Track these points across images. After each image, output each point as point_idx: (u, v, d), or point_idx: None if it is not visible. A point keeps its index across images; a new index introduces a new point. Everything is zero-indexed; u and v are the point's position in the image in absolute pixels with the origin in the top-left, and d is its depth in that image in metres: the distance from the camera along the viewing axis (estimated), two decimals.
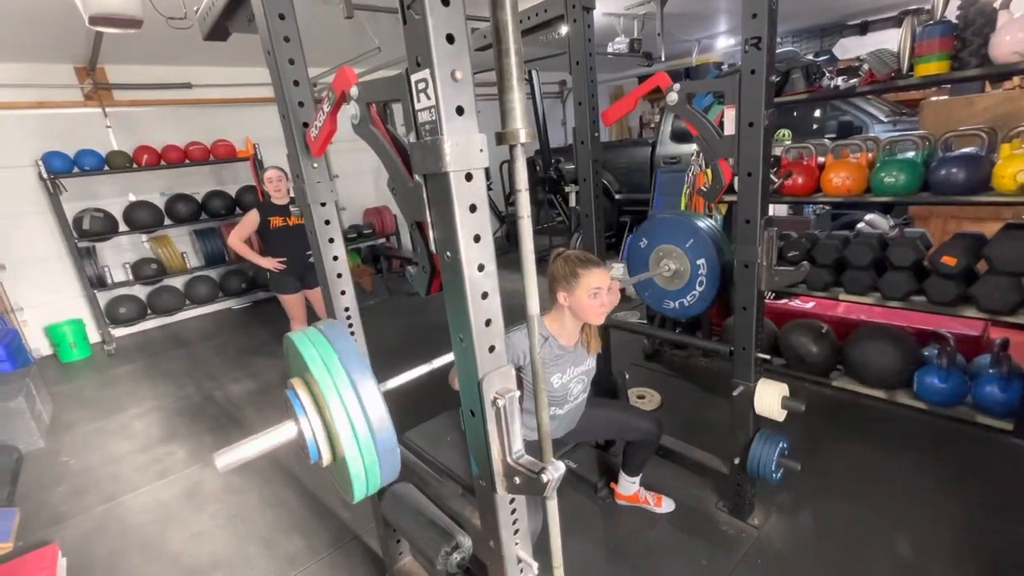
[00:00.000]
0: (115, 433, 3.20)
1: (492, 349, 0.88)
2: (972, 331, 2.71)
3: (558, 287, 1.61)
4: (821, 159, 2.60)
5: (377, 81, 0.91)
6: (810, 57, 3.72)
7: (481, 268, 0.83)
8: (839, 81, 2.44)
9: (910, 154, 2.33)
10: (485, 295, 0.85)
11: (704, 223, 2.01)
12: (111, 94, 4.84)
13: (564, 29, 2.04)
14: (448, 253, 0.83)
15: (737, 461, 1.89)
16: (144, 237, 5.21)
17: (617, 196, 6.31)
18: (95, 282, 4.76)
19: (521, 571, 1.03)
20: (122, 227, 4.84)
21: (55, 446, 3.10)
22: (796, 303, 3.22)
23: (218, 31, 1.51)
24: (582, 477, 2.27)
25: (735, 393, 1.82)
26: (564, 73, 8.52)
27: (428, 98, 0.75)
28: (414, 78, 0.76)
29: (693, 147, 3.99)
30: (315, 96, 1.27)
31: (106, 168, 4.61)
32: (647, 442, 1.95)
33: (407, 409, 2.41)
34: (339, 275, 1.37)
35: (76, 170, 4.49)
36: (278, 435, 0.99)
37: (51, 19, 3.34)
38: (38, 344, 4.74)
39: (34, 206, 4.59)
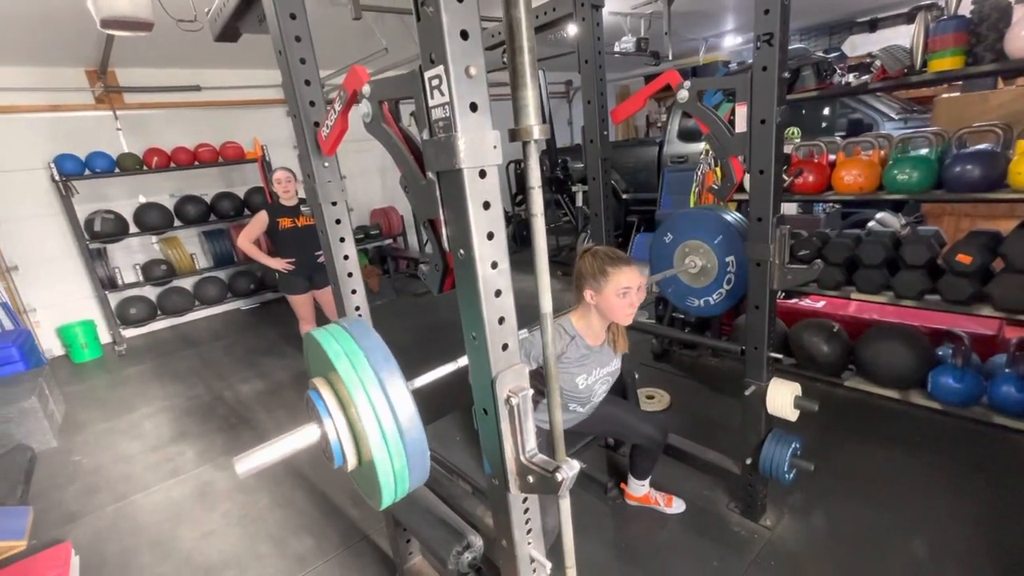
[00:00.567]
0: (126, 433, 3.22)
1: (505, 347, 0.87)
2: (987, 330, 2.68)
3: (585, 284, 1.56)
4: (832, 157, 2.57)
5: (390, 79, 0.91)
6: (819, 54, 3.69)
7: (495, 265, 0.83)
8: (850, 78, 2.42)
9: (923, 151, 2.30)
10: (498, 293, 0.85)
11: (733, 217, 1.97)
12: (121, 97, 4.89)
13: (572, 28, 2.03)
14: (461, 250, 0.83)
15: (749, 461, 1.88)
16: (154, 238, 5.25)
17: (624, 196, 6.29)
18: (106, 283, 4.80)
19: (534, 571, 1.03)
20: (132, 229, 4.89)
21: (67, 445, 3.13)
22: (807, 302, 3.19)
23: (229, 32, 1.51)
24: (592, 477, 2.26)
25: (747, 393, 1.80)
26: (570, 73, 8.52)
27: (442, 95, 0.74)
28: (428, 75, 0.76)
29: (701, 146, 3.97)
30: (324, 97, 1.27)
31: (117, 170, 4.65)
32: (650, 448, 1.92)
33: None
34: (350, 274, 1.37)
35: (87, 172, 4.54)
36: (300, 439, 0.95)
37: (63, 23, 3.37)
38: (50, 345, 4.79)
39: (46, 208, 4.65)
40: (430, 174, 0.83)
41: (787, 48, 1.48)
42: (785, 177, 2.51)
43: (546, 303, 0.94)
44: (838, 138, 2.70)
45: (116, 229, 4.72)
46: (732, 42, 7.21)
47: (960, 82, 3.90)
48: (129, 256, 5.17)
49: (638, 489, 2.07)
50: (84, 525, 2.38)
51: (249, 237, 3.27)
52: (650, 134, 9.08)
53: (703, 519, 2.02)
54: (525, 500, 0.97)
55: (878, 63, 2.32)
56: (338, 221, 1.33)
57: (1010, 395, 2.28)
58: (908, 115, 4.51)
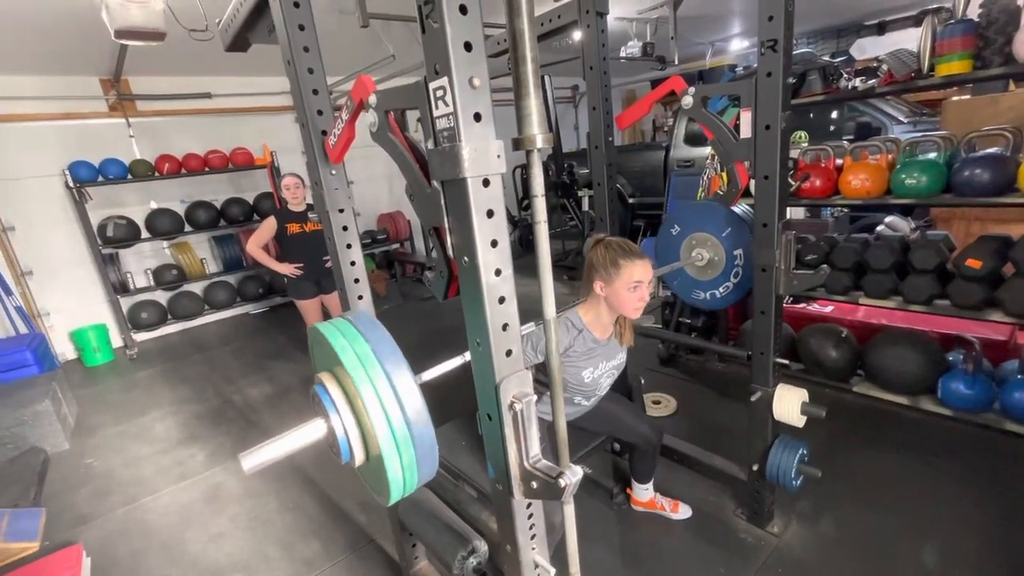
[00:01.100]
0: (137, 436, 3.26)
1: (509, 353, 0.88)
2: (999, 335, 2.64)
3: (595, 276, 1.54)
4: (839, 161, 2.56)
5: (395, 89, 0.92)
6: (826, 58, 3.68)
7: (498, 273, 0.84)
8: (857, 82, 2.41)
9: (932, 155, 2.29)
10: (502, 299, 0.86)
11: (741, 209, 1.95)
12: (134, 104, 4.97)
13: (577, 35, 2.04)
14: (466, 258, 0.84)
15: (756, 467, 1.86)
16: (165, 243, 5.32)
17: (631, 200, 6.29)
18: (118, 288, 4.87)
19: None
20: (144, 234, 4.96)
21: (79, 448, 3.17)
22: (814, 307, 3.17)
23: (239, 42, 1.54)
24: (597, 482, 2.26)
25: (753, 399, 1.79)
26: (576, 78, 8.54)
27: (446, 105, 0.76)
28: (432, 86, 0.77)
29: (707, 150, 3.96)
30: (332, 104, 1.29)
31: (129, 177, 4.72)
32: (645, 449, 1.93)
33: None
34: (356, 280, 1.39)
35: (100, 179, 4.62)
36: (306, 434, 0.94)
37: (78, 33, 3.45)
38: (63, 348, 4.86)
39: (61, 214, 4.73)
40: (435, 183, 0.84)
41: (791, 54, 1.49)
42: (792, 182, 2.50)
43: (549, 308, 0.95)
44: (845, 142, 2.68)
45: (128, 234, 4.80)
46: (739, 46, 7.20)
47: (970, 85, 3.87)
48: (141, 261, 5.24)
49: (643, 494, 2.06)
50: (95, 527, 2.41)
51: (258, 242, 3.31)
52: (656, 138, 9.08)
53: (709, 525, 2.01)
54: (529, 505, 0.98)
55: (885, 67, 2.31)
56: (345, 228, 1.35)
57: (1022, 401, 2.25)
58: (917, 118, 4.48)
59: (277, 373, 4.03)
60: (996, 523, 1.87)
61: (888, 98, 4.47)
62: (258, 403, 3.55)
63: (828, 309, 3.15)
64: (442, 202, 0.84)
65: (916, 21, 5.85)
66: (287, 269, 3.32)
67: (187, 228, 5.17)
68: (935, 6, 2.40)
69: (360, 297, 1.40)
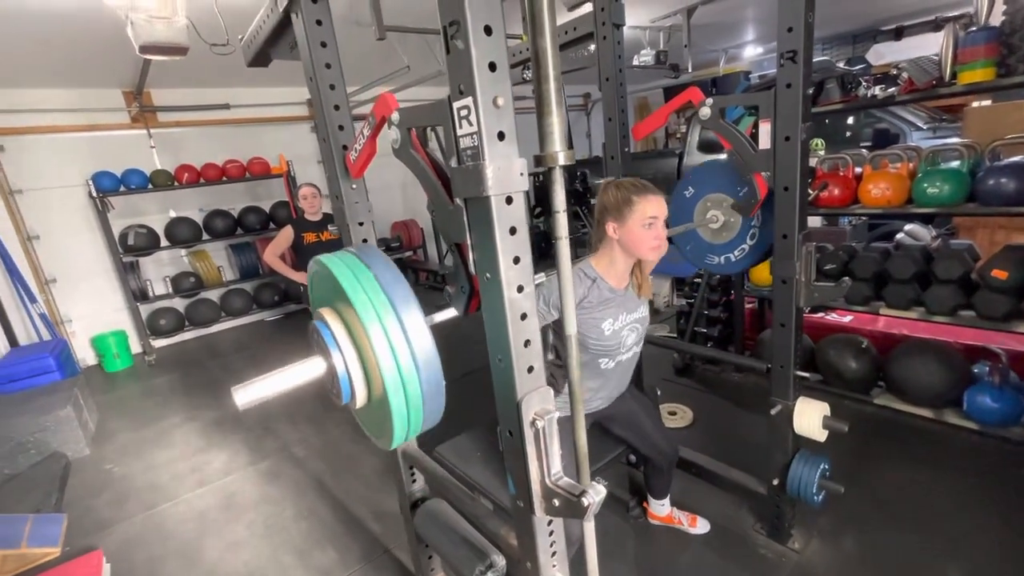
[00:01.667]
0: (155, 442, 3.31)
1: (531, 370, 0.88)
2: None
3: (608, 217, 1.46)
4: (858, 169, 2.53)
5: (418, 107, 0.93)
6: (842, 65, 3.65)
7: (520, 289, 0.84)
8: (877, 90, 2.38)
9: (955, 163, 2.25)
10: (524, 316, 0.86)
11: None
12: (155, 116, 5.08)
13: (591, 47, 2.05)
14: (488, 274, 0.84)
15: (776, 482, 1.83)
16: (183, 252, 5.41)
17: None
18: (138, 295, 4.96)
19: None
20: (163, 242, 5.05)
21: (100, 453, 3.22)
22: (833, 317, 3.12)
23: (261, 58, 1.57)
24: (614, 495, 2.23)
25: (773, 412, 1.77)
26: (588, 86, 8.56)
27: (470, 124, 0.76)
28: (456, 105, 0.78)
29: (721, 158, 3.94)
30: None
31: (150, 186, 4.82)
32: (659, 465, 1.88)
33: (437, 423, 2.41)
34: None
35: (122, 188, 4.72)
36: (303, 371, 0.91)
37: (103, 48, 3.54)
38: (84, 354, 4.95)
39: (84, 223, 4.84)
40: (458, 200, 0.85)
41: (811, 64, 1.47)
42: (810, 191, 2.47)
43: (571, 324, 0.95)
44: (864, 150, 2.65)
45: (148, 243, 4.89)
46: (752, 52, 7.17)
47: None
48: (159, 269, 5.33)
49: (660, 509, 2.04)
50: (115, 533, 2.44)
51: (275, 251, 3.35)
52: (669, 145, 9.04)
53: (728, 540, 1.97)
54: (550, 523, 0.97)
55: (905, 75, 2.28)
56: (365, 240, 1.36)
57: None
58: (937, 124, 4.41)
59: None
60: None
61: (907, 105, 4.41)
62: (273, 410, 3.57)
63: (847, 319, 3.10)
64: (465, 219, 0.84)
65: (934, 26, 5.77)
66: (303, 277, 3.35)
67: (205, 236, 5.26)
68: (957, 12, 2.36)
69: None
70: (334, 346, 0.88)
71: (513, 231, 0.81)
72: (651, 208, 1.42)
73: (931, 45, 4.65)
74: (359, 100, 5.15)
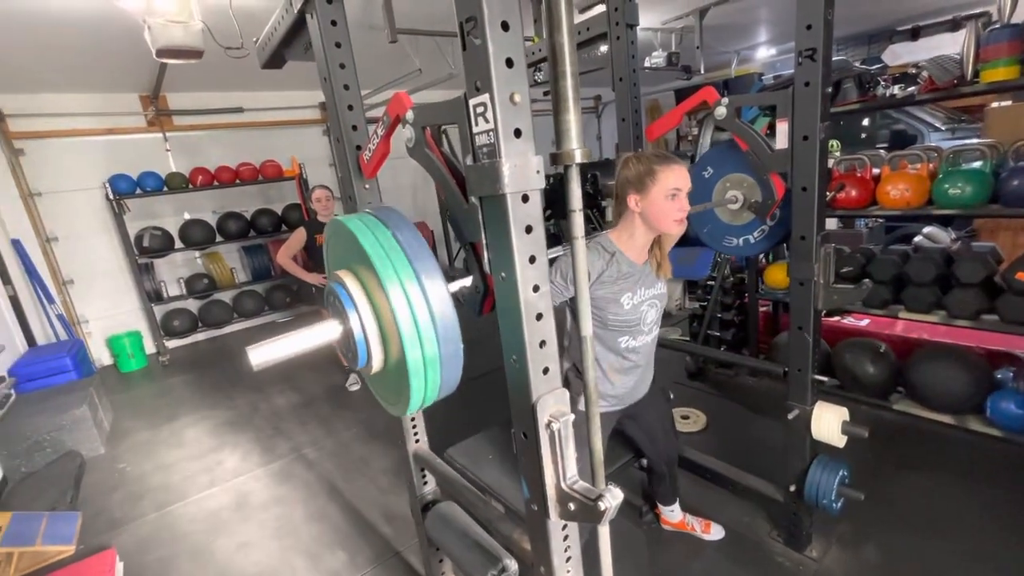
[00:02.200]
0: (168, 441, 3.33)
1: (547, 371, 0.86)
2: None
3: (629, 190, 1.41)
4: (876, 170, 2.49)
5: (433, 105, 0.92)
6: (858, 64, 3.60)
7: (536, 289, 0.83)
8: (895, 89, 2.34)
9: (976, 164, 2.20)
10: (540, 316, 0.84)
11: None
12: (171, 119, 5.15)
13: (604, 47, 2.04)
14: (503, 274, 0.83)
15: (793, 488, 1.79)
16: (197, 253, 5.47)
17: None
18: (152, 296, 5.02)
19: None
20: (178, 244, 5.11)
21: (114, 452, 3.26)
22: (849, 320, 3.06)
23: (276, 59, 1.58)
24: (626, 500, 2.20)
25: (790, 417, 1.73)
26: (598, 88, 8.54)
27: (487, 121, 0.75)
28: (472, 102, 0.77)
29: None
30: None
31: (165, 189, 4.88)
32: (659, 472, 1.89)
33: (447, 425, 2.41)
34: None
35: (138, 191, 4.78)
36: (319, 333, 0.90)
37: (122, 53, 3.60)
38: (100, 354, 5.02)
39: (100, 225, 4.91)
40: (473, 198, 0.84)
41: (830, 63, 1.45)
42: (826, 192, 2.43)
43: (586, 325, 0.93)
44: (882, 151, 2.60)
45: (163, 245, 4.95)
46: (765, 54, 7.10)
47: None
48: (174, 270, 5.39)
49: (671, 515, 2.01)
50: (128, 532, 2.46)
51: (288, 253, 3.37)
52: (681, 148, 8.99)
53: (743, 547, 1.94)
54: (565, 527, 0.96)
55: (925, 74, 2.24)
56: None
57: None
58: (956, 125, 4.33)
59: (303, 382, 4.08)
60: None
61: (926, 105, 4.34)
62: (284, 411, 3.59)
63: (864, 323, 3.04)
64: (480, 218, 0.83)
65: (952, 26, 5.67)
66: (315, 279, 3.37)
67: (218, 238, 5.31)
68: (979, 11, 2.31)
69: None
70: (351, 307, 0.86)
71: (529, 230, 0.80)
72: (674, 178, 1.37)
73: (948, 45, 4.58)
74: (372, 103, 5.18)
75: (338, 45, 1.22)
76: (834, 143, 3.60)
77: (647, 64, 4.80)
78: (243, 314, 5.51)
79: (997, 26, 2.03)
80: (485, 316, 1.09)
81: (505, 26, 0.72)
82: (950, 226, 3.69)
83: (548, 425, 0.86)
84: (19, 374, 3.62)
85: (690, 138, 8.28)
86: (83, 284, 4.89)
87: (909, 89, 2.32)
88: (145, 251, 4.86)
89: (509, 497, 1.62)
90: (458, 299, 1.13)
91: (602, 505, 0.81)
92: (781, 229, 1.77)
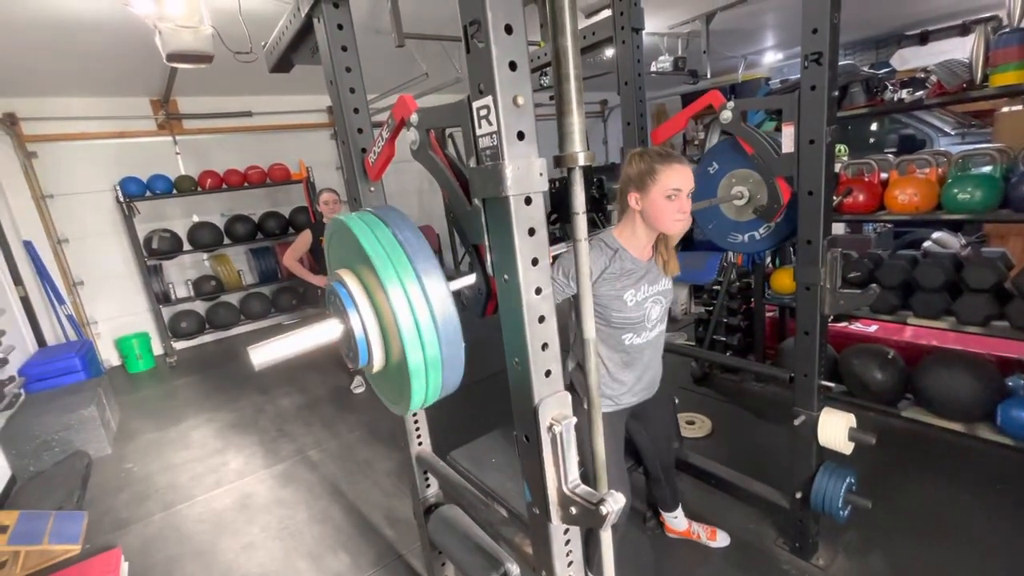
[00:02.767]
0: (174, 442, 3.35)
1: (549, 373, 0.86)
2: None
3: (630, 188, 1.39)
4: (884, 175, 2.47)
5: (437, 108, 0.93)
6: (866, 69, 3.58)
7: (539, 291, 0.83)
8: (904, 94, 2.32)
9: (986, 169, 2.18)
10: (542, 319, 0.84)
11: None
12: (181, 123, 5.21)
13: (609, 52, 2.04)
14: (506, 276, 0.83)
15: (799, 495, 1.78)
16: (205, 255, 5.51)
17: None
18: (160, 298, 5.06)
19: None
20: (186, 246, 5.15)
21: (120, 453, 3.28)
22: (857, 326, 3.03)
23: (283, 63, 1.60)
24: (632, 506, 2.19)
25: (796, 423, 1.72)
26: (605, 93, 8.55)
27: (490, 124, 0.75)
28: (476, 104, 0.77)
29: None
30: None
31: (174, 192, 4.93)
32: (656, 476, 1.88)
33: (450, 426, 2.41)
34: None
35: (148, 194, 4.83)
36: (320, 333, 0.89)
37: (133, 57, 3.65)
38: (108, 355, 5.06)
39: (111, 227, 4.97)
40: (476, 201, 0.84)
41: (836, 66, 1.44)
42: (833, 197, 2.42)
43: (589, 328, 0.93)
44: (890, 156, 2.58)
45: (171, 247, 4.99)
46: (772, 59, 7.08)
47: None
48: (182, 272, 5.44)
49: (676, 523, 1.99)
50: (134, 532, 2.47)
51: (294, 255, 3.39)
52: (687, 152, 8.97)
53: (749, 555, 1.92)
54: (567, 531, 0.95)
55: (934, 78, 2.22)
56: None
57: None
58: (965, 130, 4.30)
59: (308, 384, 4.10)
60: None
61: (934, 109, 4.31)
62: (289, 413, 3.60)
63: (872, 328, 3.01)
64: (483, 220, 0.84)
65: (961, 30, 5.63)
66: (321, 281, 3.39)
67: (226, 241, 5.35)
68: (988, 15, 2.30)
69: None
70: (351, 306, 0.86)
71: (532, 232, 0.80)
72: (675, 179, 1.34)
73: (957, 49, 4.55)
74: (377, 107, 5.21)
75: (344, 49, 1.24)
76: (841, 147, 3.58)
77: (653, 68, 4.80)
78: (250, 316, 5.54)
79: (1007, 30, 2.02)
80: (490, 317, 1.09)
81: (508, 29, 0.72)
82: (959, 231, 3.66)
83: (550, 428, 0.85)
84: (29, 374, 3.66)
85: (696, 142, 8.27)
86: (93, 285, 4.94)
87: (917, 93, 2.30)
88: (154, 253, 4.91)
89: (511, 500, 1.62)
90: (461, 301, 1.13)
91: (604, 509, 0.81)
92: (787, 226, 1.76)
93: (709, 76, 4.85)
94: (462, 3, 0.74)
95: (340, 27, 1.22)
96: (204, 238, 5.17)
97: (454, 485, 1.44)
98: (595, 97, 8.68)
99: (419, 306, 0.82)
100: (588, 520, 0.84)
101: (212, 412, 3.77)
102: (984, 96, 2.14)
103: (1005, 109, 3.68)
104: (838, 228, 3.51)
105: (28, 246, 4.49)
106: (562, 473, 0.87)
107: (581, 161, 0.82)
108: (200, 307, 5.41)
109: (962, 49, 2.13)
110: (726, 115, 1.65)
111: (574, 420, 0.86)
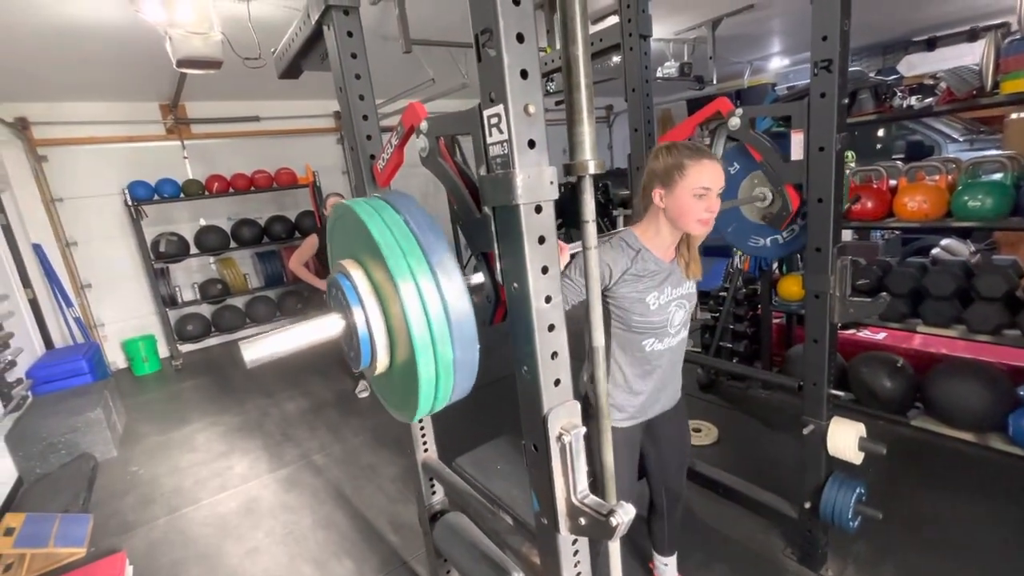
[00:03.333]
0: (180, 446, 3.36)
1: (558, 383, 0.85)
2: None
3: (655, 183, 1.30)
4: (893, 182, 2.45)
5: (447, 116, 0.93)
6: (873, 75, 3.57)
7: (548, 300, 0.82)
8: (913, 100, 2.31)
9: (997, 176, 2.16)
10: (552, 327, 0.84)
11: None
12: (189, 128, 5.25)
13: (615, 58, 2.04)
14: (515, 284, 0.82)
15: (808, 505, 1.75)
16: (211, 259, 5.54)
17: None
18: (167, 301, 5.09)
19: None
20: (193, 250, 5.18)
21: (126, 455, 3.29)
22: (865, 334, 3.01)
23: (292, 70, 1.60)
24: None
25: (805, 432, 1.70)
26: (609, 98, 8.56)
27: (501, 132, 0.75)
28: (487, 113, 0.77)
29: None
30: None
31: (182, 195, 4.96)
32: (660, 509, 1.67)
33: (452, 431, 2.39)
34: None
35: (156, 197, 4.87)
36: (317, 328, 0.83)
37: (143, 63, 3.68)
38: (115, 358, 5.09)
39: (119, 230, 5.00)
40: (486, 209, 0.84)
41: (847, 74, 1.44)
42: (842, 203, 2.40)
43: (598, 337, 0.92)
44: (899, 163, 2.57)
45: (178, 250, 5.03)
46: (778, 64, 7.07)
47: None
48: (188, 275, 5.47)
49: (665, 572, 1.77)
50: (138, 535, 2.47)
51: (300, 259, 3.40)
52: None
53: (756, 565, 1.89)
54: (575, 542, 0.94)
55: (944, 85, 2.21)
56: None
57: None
58: (974, 136, 4.27)
59: (313, 388, 4.10)
60: None
61: (943, 116, 4.29)
62: (293, 417, 3.60)
63: (880, 336, 2.99)
64: (492, 228, 0.83)
65: (969, 36, 5.61)
66: (326, 285, 3.39)
67: (232, 244, 5.37)
68: (997, 21, 2.28)
69: None
70: (356, 301, 0.78)
71: (542, 240, 0.80)
72: (705, 176, 1.25)
73: (965, 56, 4.53)
74: (385, 112, 5.24)
75: (354, 56, 1.24)
76: (849, 154, 3.56)
77: (659, 74, 4.80)
78: (255, 319, 5.56)
79: (1018, 36, 2.01)
80: (495, 325, 1.09)
81: (520, 38, 0.72)
82: (968, 239, 3.63)
83: (559, 438, 0.85)
84: (36, 376, 3.68)
85: None
86: (100, 288, 4.97)
87: (927, 100, 2.29)
88: (161, 256, 4.94)
89: (518, 509, 1.61)
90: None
91: (614, 521, 0.80)
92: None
93: (715, 82, 4.85)
94: (474, 11, 0.74)
95: (350, 34, 1.22)
96: (211, 242, 5.19)
97: (460, 493, 1.43)
98: (600, 102, 8.70)
99: (432, 302, 0.74)
100: (597, 531, 0.84)
101: (217, 415, 3.78)
102: (995, 103, 2.12)
103: (1014, 116, 3.66)
104: (846, 235, 3.49)
105: (37, 249, 4.53)
106: (571, 483, 0.86)
107: (592, 169, 0.82)
108: (206, 310, 5.43)
109: (970, 55, 2.12)
110: (734, 122, 1.65)
111: (583, 430, 0.86)
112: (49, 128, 4.56)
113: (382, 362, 0.82)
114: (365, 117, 1.28)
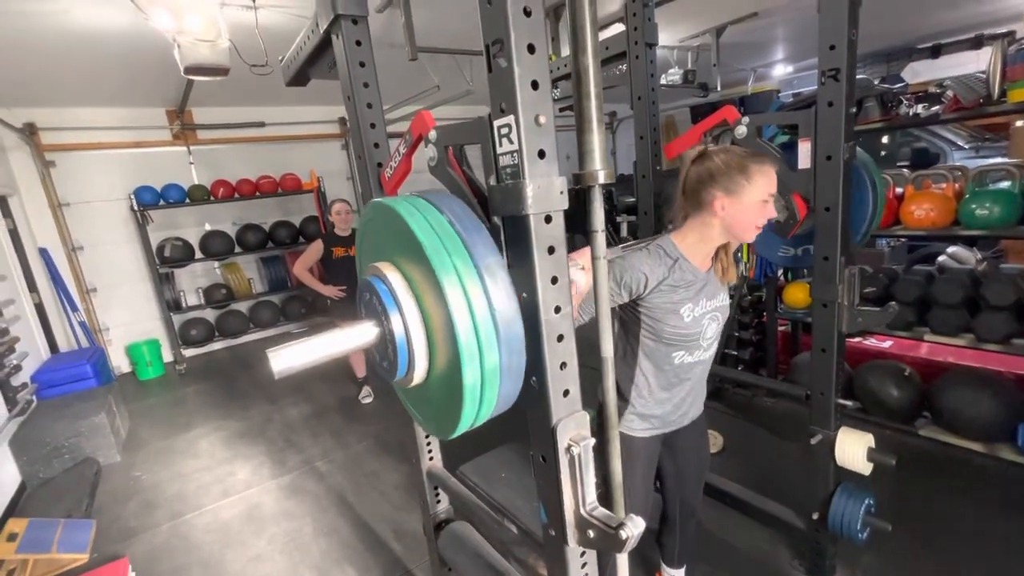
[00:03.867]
0: (183, 451, 3.36)
1: (567, 393, 0.85)
2: None
3: (714, 189, 1.21)
4: (899, 190, 2.45)
5: (456, 125, 0.93)
6: (877, 83, 3.57)
7: (558, 310, 0.82)
8: (919, 108, 2.31)
9: (1004, 184, 2.15)
10: (561, 337, 0.83)
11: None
12: (195, 133, 5.29)
13: (621, 66, 2.05)
14: (524, 294, 0.82)
15: (816, 516, 1.74)
16: (216, 264, 5.56)
17: (670, 226, 6.19)
18: (171, 305, 5.10)
19: None
20: (197, 254, 5.20)
21: (129, 461, 3.28)
22: (871, 342, 2.99)
23: (300, 77, 1.61)
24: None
25: (813, 442, 1.68)
26: (613, 105, 8.58)
27: (511, 143, 0.75)
28: (497, 123, 0.77)
29: None
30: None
31: (187, 201, 4.99)
32: (673, 521, 1.65)
33: (459, 441, 2.37)
34: None
35: (162, 202, 4.90)
36: (350, 337, 0.79)
37: (151, 69, 3.71)
38: (119, 362, 5.10)
39: (124, 235, 5.03)
40: (495, 219, 0.84)
41: (854, 82, 1.43)
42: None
43: (607, 346, 0.92)
44: (904, 170, 2.56)
45: (183, 255, 5.05)
46: (782, 71, 7.08)
47: None
48: (193, 280, 5.49)
49: None
50: (141, 541, 2.46)
51: (305, 264, 3.41)
52: None
53: None
54: (583, 554, 0.93)
55: (950, 93, 2.21)
56: None
57: None
58: (980, 144, 4.26)
59: (316, 393, 4.10)
60: None
61: (949, 124, 4.28)
62: (297, 423, 3.60)
63: (886, 344, 2.97)
64: (502, 238, 0.83)
65: (973, 44, 5.60)
66: (331, 291, 3.40)
67: (237, 249, 5.40)
68: (1003, 29, 2.28)
69: None
70: (393, 306, 0.74)
71: (552, 250, 0.79)
72: (772, 182, 1.20)
73: (970, 63, 4.53)
74: (389, 119, 5.24)
75: (362, 65, 1.24)
76: None
77: (663, 81, 4.81)
78: (259, 324, 5.57)
79: None
80: None
81: (531, 49, 0.72)
82: (974, 246, 3.61)
83: (568, 449, 0.84)
84: (41, 380, 3.68)
85: None
86: (106, 292, 5.00)
87: (933, 108, 2.29)
88: (166, 261, 4.96)
89: (522, 518, 1.59)
90: None
91: (623, 534, 0.79)
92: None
93: (719, 89, 4.86)
94: (485, 22, 0.74)
95: (358, 43, 1.23)
96: (215, 246, 5.21)
97: (466, 502, 1.42)
98: (605, 109, 8.72)
99: (479, 307, 0.69)
100: (606, 544, 0.83)
101: (220, 420, 3.77)
102: (1002, 111, 2.12)
103: (1020, 124, 3.65)
104: None
105: (44, 253, 4.55)
106: (580, 495, 0.85)
107: (601, 179, 0.81)
108: (210, 315, 5.45)
109: (975, 63, 2.12)
110: (741, 130, 1.65)
111: (592, 441, 0.85)
112: (57, 133, 4.60)
113: (420, 372, 0.78)
114: (373, 125, 1.28)
